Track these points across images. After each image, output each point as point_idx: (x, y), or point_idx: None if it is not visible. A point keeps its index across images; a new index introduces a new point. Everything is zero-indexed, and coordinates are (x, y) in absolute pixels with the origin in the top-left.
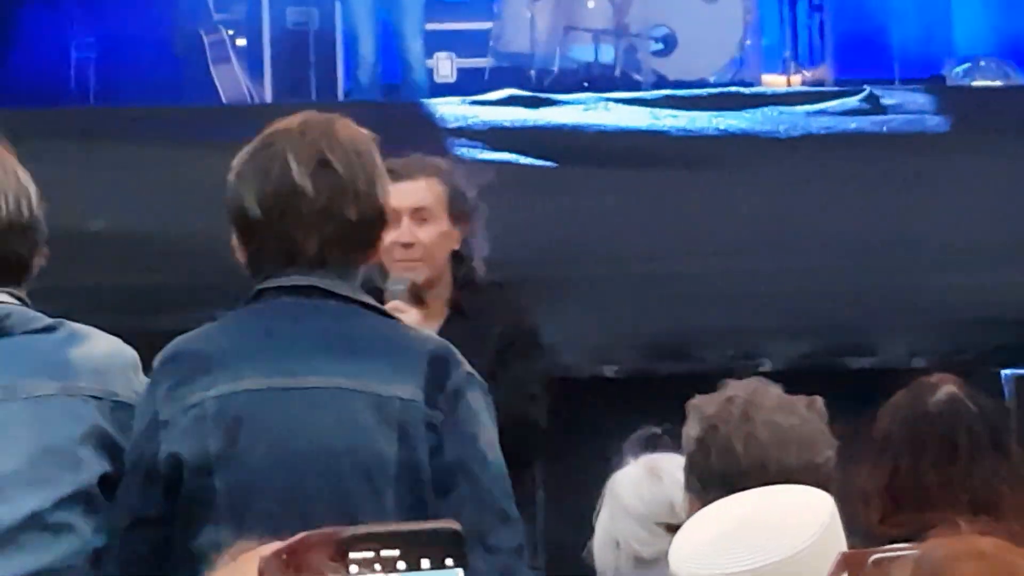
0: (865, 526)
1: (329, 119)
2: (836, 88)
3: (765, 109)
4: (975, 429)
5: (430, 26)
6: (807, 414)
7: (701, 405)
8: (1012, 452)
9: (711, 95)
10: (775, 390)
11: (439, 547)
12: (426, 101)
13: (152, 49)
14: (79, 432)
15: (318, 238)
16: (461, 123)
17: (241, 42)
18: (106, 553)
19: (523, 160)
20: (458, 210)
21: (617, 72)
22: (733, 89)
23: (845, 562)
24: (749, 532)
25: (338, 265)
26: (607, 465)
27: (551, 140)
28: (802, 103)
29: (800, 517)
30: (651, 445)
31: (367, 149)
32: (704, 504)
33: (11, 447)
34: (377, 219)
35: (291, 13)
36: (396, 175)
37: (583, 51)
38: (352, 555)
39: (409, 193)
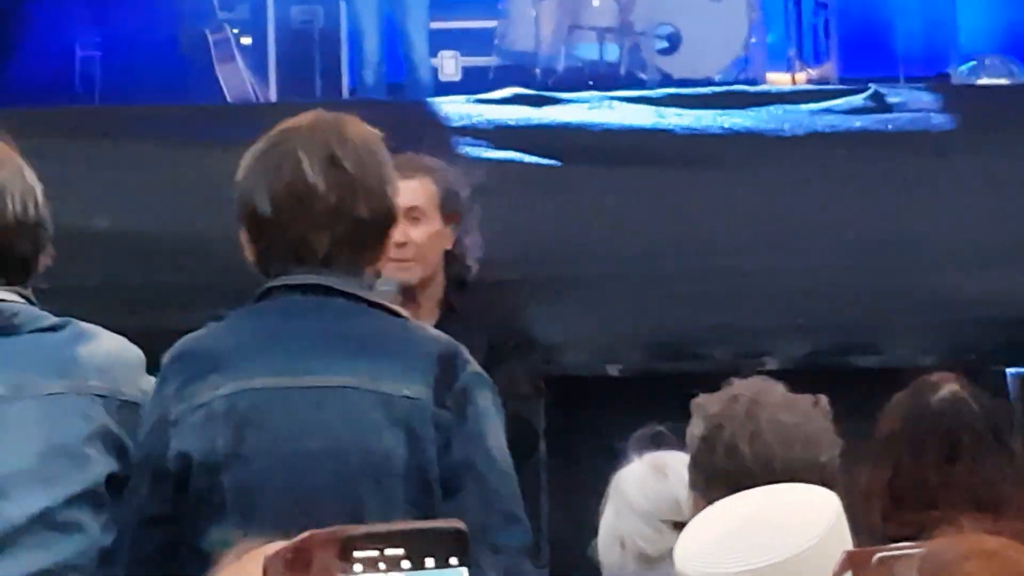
0: (867, 525)
1: (338, 118)
2: (841, 86)
3: (770, 107)
4: (977, 428)
5: (435, 25)
6: (812, 412)
7: (705, 404)
8: (1015, 451)
9: (716, 93)
10: (780, 389)
11: (444, 546)
12: (431, 100)
13: (157, 48)
14: (87, 431)
15: (329, 236)
16: (465, 122)
17: (246, 41)
18: (115, 552)
19: (528, 158)
20: (451, 209)
21: (622, 70)
22: (738, 87)
23: (849, 560)
24: (754, 531)
25: (347, 264)
26: (611, 464)
27: (556, 138)
28: (807, 101)
29: (806, 516)
30: (656, 443)
31: (377, 147)
32: (708, 503)
33: (20, 445)
34: (387, 217)
35: (296, 12)
36: None
37: (588, 50)
38: (356, 554)
39: (402, 192)
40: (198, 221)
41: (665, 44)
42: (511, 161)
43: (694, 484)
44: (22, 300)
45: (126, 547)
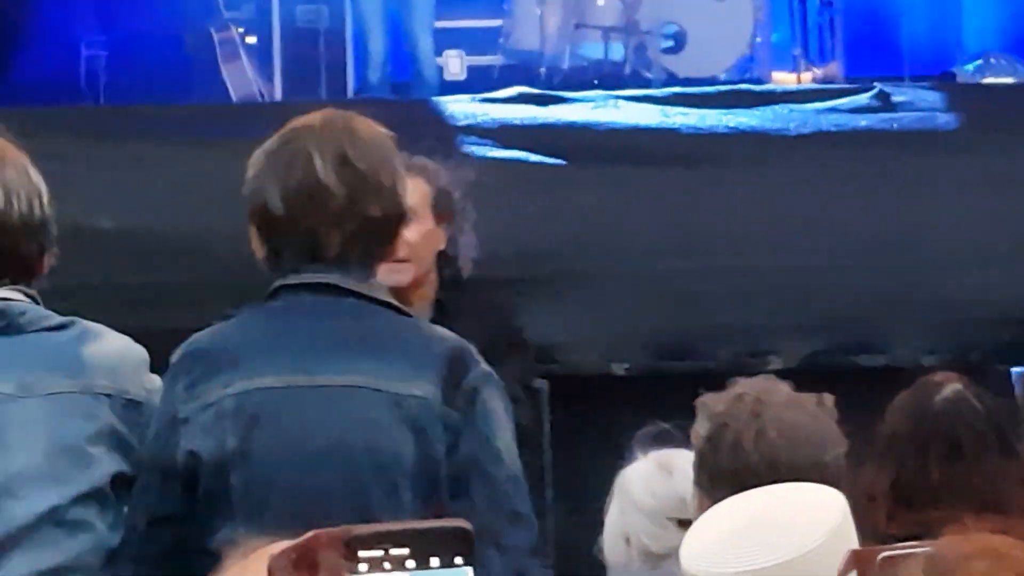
0: (871, 525)
1: (349, 116)
2: (846, 85)
3: (775, 107)
4: (980, 427)
5: (440, 24)
6: (817, 412)
7: (710, 403)
8: (1018, 450)
9: (721, 92)
10: (784, 388)
11: (449, 546)
12: (436, 99)
13: (162, 47)
14: (93, 430)
15: (340, 235)
16: (471, 121)
17: (251, 40)
18: (123, 550)
19: (533, 158)
20: (443, 209)
21: (627, 69)
22: (743, 86)
23: (854, 560)
24: (760, 530)
25: (358, 263)
26: (617, 463)
27: (561, 137)
28: (812, 100)
29: (811, 515)
30: (661, 441)
31: (387, 147)
32: (713, 502)
33: (28, 443)
34: (398, 216)
35: (301, 11)
36: None
37: (593, 48)
38: (362, 553)
39: None
40: (203, 220)
41: (670, 43)
42: (516, 160)
43: (699, 483)
44: (27, 299)
45: (134, 545)
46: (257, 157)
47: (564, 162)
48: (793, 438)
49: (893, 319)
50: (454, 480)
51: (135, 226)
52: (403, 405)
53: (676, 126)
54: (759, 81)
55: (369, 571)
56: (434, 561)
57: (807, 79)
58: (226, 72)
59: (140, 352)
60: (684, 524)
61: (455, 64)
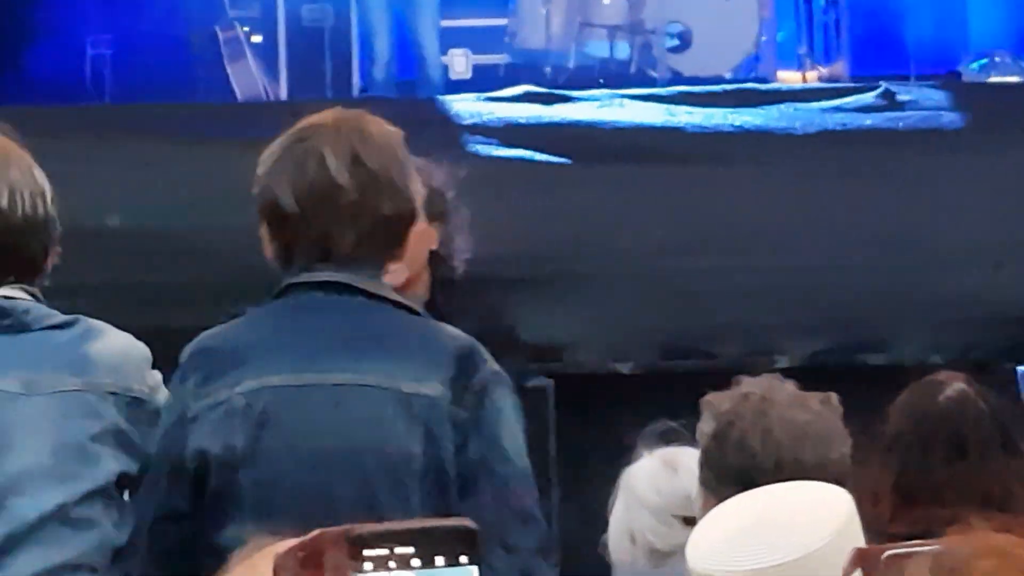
0: (875, 523)
1: (360, 116)
2: (852, 84)
3: (781, 105)
4: (984, 426)
5: (445, 23)
6: (822, 410)
7: (716, 401)
8: (1022, 449)
9: (726, 91)
10: (790, 386)
11: (454, 545)
12: (441, 98)
13: (167, 46)
14: (99, 428)
15: (353, 233)
16: (476, 119)
17: (256, 39)
18: (131, 548)
19: (538, 156)
20: (435, 209)
21: (632, 68)
22: (749, 85)
23: (859, 558)
24: (767, 529)
25: (369, 261)
26: (622, 461)
27: (566, 136)
28: (817, 99)
29: (818, 514)
30: (666, 439)
31: (398, 146)
32: (718, 500)
33: (35, 442)
34: (409, 215)
35: (306, 10)
36: None
37: (598, 47)
38: (367, 552)
39: None
40: (208, 219)
41: (676, 42)
42: (521, 159)
43: (704, 482)
44: (30, 298)
45: (142, 542)
46: (268, 156)
47: (569, 161)
48: (799, 437)
49: (898, 318)
50: (463, 479)
51: (140, 225)
52: (412, 404)
53: (681, 125)
54: (764, 80)
55: (374, 570)
56: (439, 560)
57: (812, 78)
58: (231, 71)
59: (142, 349)
60: (689, 522)
61: (460, 63)
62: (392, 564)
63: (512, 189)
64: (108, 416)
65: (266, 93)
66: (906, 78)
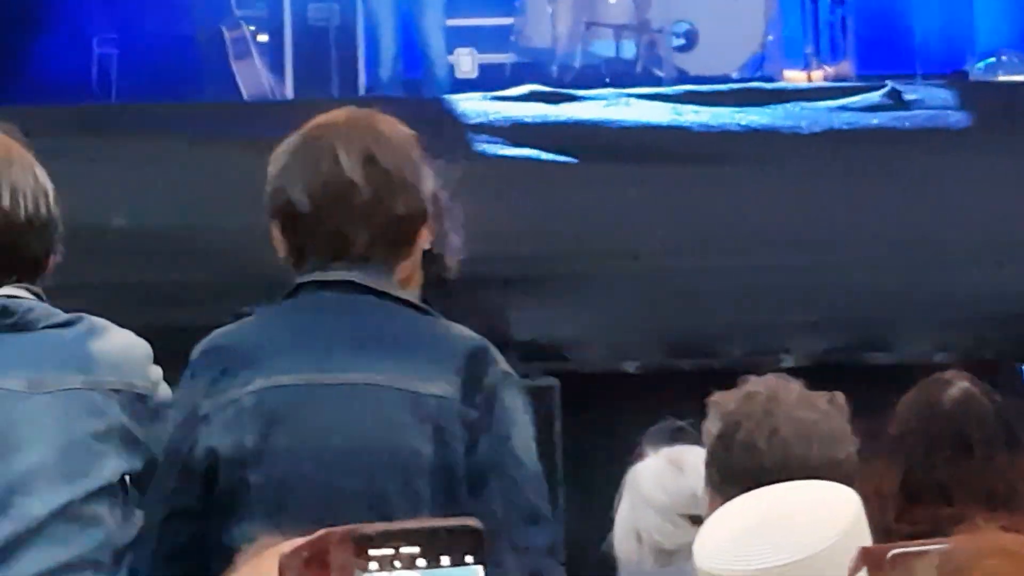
0: (880, 522)
1: (372, 115)
2: (858, 83)
3: (787, 105)
4: (989, 425)
5: (451, 22)
6: (829, 410)
7: (722, 401)
8: None
9: (732, 91)
10: (796, 386)
11: (459, 544)
12: (447, 97)
13: (174, 45)
14: (103, 426)
15: (367, 232)
16: (482, 119)
17: (262, 38)
18: (139, 544)
19: (544, 156)
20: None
21: (638, 68)
22: (755, 85)
23: (865, 557)
24: (773, 529)
25: (381, 261)
26: (627, 460)
27: (572, 136)
28: (824, 99)
29: (824, 514)
30: (672, 438)
31: (410, 145)
32: (725, 500)
33: (41, 440)
34: (421, 215)
35: (312, 9)
36: None
37: (604, 47)
38: (372, 552)
39: None
40: (214, 218)
41: (682, 41)
42: (527, 158)
43: (710, 481)
44: (33, 297)
45: (151, 539)
46: (280, 155)
47: (576, 160)
48: (805, 436)
49: (904, 317)
50: (472, 479)
51: (146, 223)
52: (422, 404)
53: (688, 124)
54: (771, 79)
55: (379, 569)
56: (444, 560)
57: (819, 77)
58: (237, 70)
59: (144, 346)
60: (695, 520)
61: (467, 62)
62: (397, 564)
63: (518, 188)
64: (112, 414)
65: (272, 92)
66: (912, 77)
